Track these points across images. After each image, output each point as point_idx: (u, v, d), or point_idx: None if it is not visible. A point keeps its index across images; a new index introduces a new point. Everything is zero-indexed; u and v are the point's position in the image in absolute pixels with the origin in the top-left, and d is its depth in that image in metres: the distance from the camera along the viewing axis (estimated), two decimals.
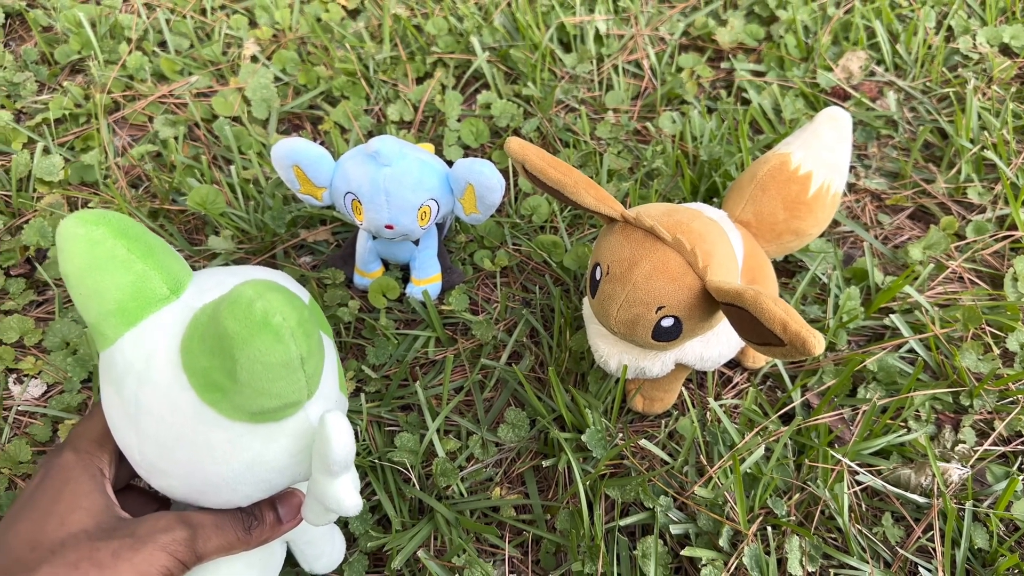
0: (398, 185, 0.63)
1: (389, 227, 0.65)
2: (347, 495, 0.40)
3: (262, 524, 0.45)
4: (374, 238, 0.72)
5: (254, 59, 0.98)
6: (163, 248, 0.41)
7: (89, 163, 0.85)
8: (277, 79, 0.96)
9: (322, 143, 0.91)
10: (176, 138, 0.89)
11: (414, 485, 0.63)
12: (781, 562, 0.59)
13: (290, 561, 0.56)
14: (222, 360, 0.35)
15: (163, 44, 1.00)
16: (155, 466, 0.41)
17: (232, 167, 0.84)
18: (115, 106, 0.93)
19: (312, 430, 0.41)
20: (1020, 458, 0.66)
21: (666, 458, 0.65)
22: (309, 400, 0.40)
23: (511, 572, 0.61)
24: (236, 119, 0.92)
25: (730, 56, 1.00)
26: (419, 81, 0.97)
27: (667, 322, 0.52)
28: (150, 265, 0.40)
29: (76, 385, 0.70)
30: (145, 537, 0.40)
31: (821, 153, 0.64)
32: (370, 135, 0.91)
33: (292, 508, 0.47)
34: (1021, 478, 0.63)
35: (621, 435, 0.66)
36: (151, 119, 0.92)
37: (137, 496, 0.49)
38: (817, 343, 0.43)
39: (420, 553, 0.59)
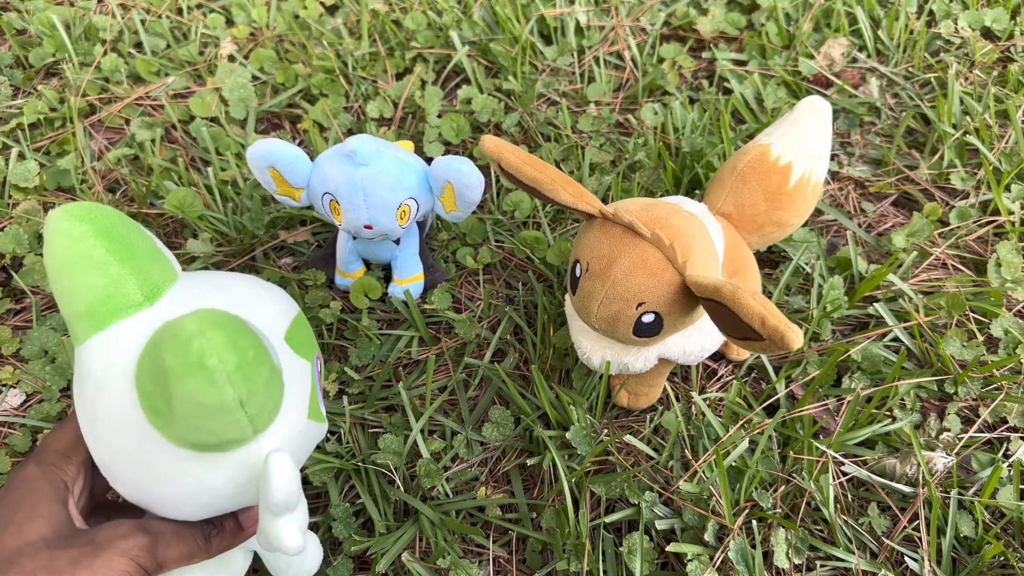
0: (376, 184, 0.62)
1: (368, 227, 0.64)
2: (288, 537, 0.39)
3: (222, 532, 0.45)
4: (354, 238, 0.71)
5: (231, 58, 0.97)
6: (146, 250, 0.40)
7: (65, 168, 0.84)
8: (255, 78, 0.95)
9: (301, 142, 0.90)
10: (153, 140, 0.88)
11: (398, 487, 0.62)
12: (767, 555, 0.59)
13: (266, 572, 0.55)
14: (161, 390, 0.34)
15: (139, 45, 0.99)
16: (109, 471, 0.41)
17: (210, 169, 0.83)
18: (91, 109, 0.92)
19: (262, 462, 0.39)
20: (1005, 445, 0.66)
21: (651, 453, 0.64)
22: (261, 434, 0.38)
23: (497, 572, 0.60)
24: (214, 120, 0.91)
25: (712, 45, 0.99)
26: (399, 77, 0.96)
27: (648, 318, 0.52)
28: (127, 269, 0.38)
29: (55, 394, 0.69)
30: (104, 544, 0.39)
31: (802, 143, 0.63)
32: (349, 133, 0.90)
33: (253, 516, 0.46)
34: (1006, 465, 0.63)
35: (606, 431, 0.65)
36: (128, 121, 0.91)
37: (113, 513, 0.48)
38: (795, 337, 0.43)
39: (405, 556, 0.59)
